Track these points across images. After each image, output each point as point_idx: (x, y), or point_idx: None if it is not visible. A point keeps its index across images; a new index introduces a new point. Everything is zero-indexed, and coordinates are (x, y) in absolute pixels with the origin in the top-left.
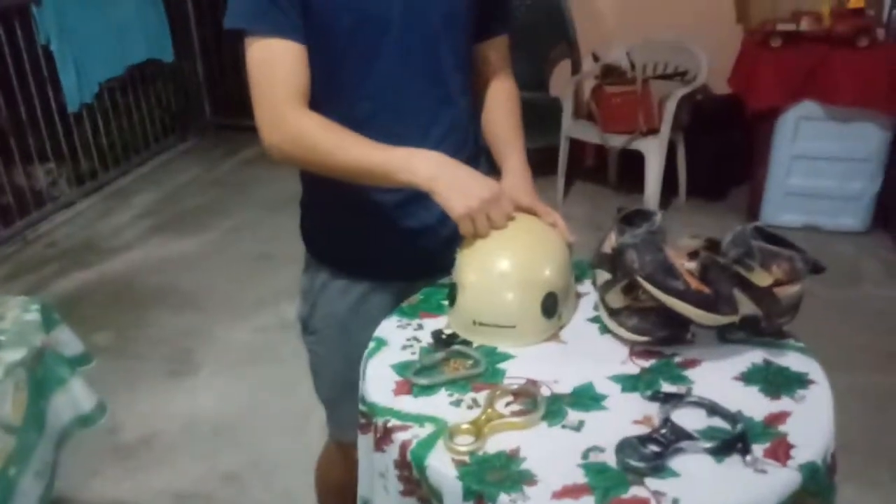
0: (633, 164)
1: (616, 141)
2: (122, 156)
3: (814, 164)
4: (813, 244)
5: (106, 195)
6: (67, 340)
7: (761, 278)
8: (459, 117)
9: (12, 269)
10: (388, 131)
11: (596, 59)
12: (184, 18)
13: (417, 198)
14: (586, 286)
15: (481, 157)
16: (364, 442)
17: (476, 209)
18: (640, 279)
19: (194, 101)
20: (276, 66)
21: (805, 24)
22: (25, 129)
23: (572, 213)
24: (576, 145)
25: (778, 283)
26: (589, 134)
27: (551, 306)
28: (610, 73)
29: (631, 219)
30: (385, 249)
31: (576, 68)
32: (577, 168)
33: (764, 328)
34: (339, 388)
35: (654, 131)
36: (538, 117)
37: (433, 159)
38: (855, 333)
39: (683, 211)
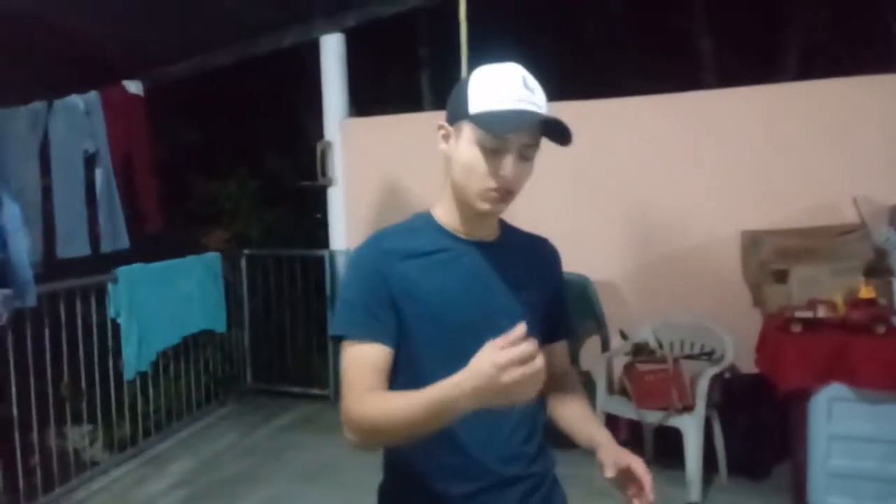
0: (668, 439)
1: (652, 417)
2: (164, 421)
3: (853, 446)
4: None
5: (143, 461)
6: None
7: None
8: (529, 412)
9: None
10: (464, 424)
11: (624, 336)
12: (238, 292)
13: (490, 488)
14: None
15: (546, 447)
16: None
17: (508, 388)
18: None
19: (238, 368)
20: (364, 366)
21: (822, 312)
22: (82, 396)
23: (610, 491)
24: (610, 419)
25: None
26: (624, 409)
27: None
28: (640, 352)
29: None
30: None
31: (605, 345)
32: None
33: None
34: None
35: (688, 408)
36: None
37: (453, 391)
38: None
39: (727, 490)
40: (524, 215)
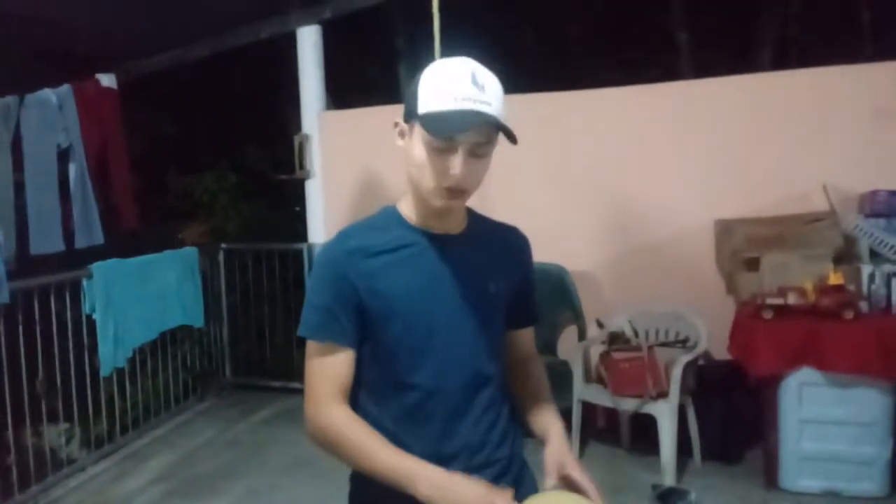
0: (644, 426)
1: (628, 405)
2: (141, 417)
3: (823, 429)
4: None
5: (121, 457)
6: None
7: None
8: (494, 400)
9: None
10: (432, 414)
11: (600, 325)
12: (215, 287)
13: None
14: None
15: (512, 432)
16: None
17: None
18: None
19: (216, 363)
20: (325, 366)
21: (792, 299)
22: (57, 393)
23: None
24: (587, 407)
25: None
26: (600, 397)
27: None
28: (616, 340)
29: (666, 496)
30: None
31: (581, 334)
32: (590, 429)
33: None
34: None
35: (663, 395)
36: (549, 380)
37: (433, 481)
38: None
39: (700, 475)
40: (502, 206)
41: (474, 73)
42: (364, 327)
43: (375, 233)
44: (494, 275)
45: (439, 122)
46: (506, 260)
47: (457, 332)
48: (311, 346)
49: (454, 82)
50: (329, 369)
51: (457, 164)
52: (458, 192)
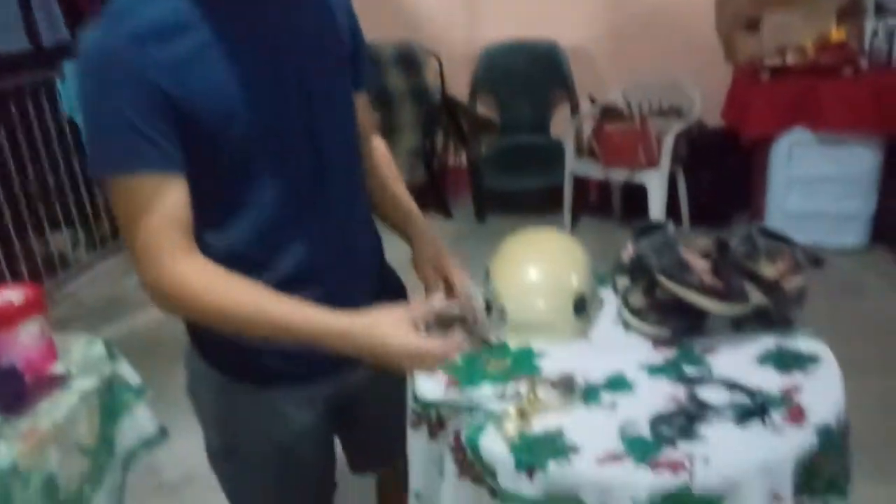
0: (635, 199)
1: (619, 175)
2: None
3: (810, 187)
4: None
5: (128, 254)
6: (127, 373)
7: (768, 270)
8: (361, 184)
9: None
10: (297, 228)
11: (592, 100)
12: None
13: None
14: (608, 293)
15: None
16: (417, 435)
17: (421, 364)
18: (658, 276)
19: None
20: (153, 207)
21: (791, 58)
22: (53, 197)
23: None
24: (579, 182)
25: (783, 276)
26: (592, 171)
27: (581, 306)
28: (608, 113)
29: (646, 231)
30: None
31: (574, 111)
32: (582, 204)
33: (774, 319)
34: None
35: (654, 165)
36: (542, 158)
37: (349, 342)
38: (861, 343)
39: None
40: None
41: None
42: (185, 139)
43: (156, 2)
44: (330, 30)
45: None
46: (335, 10)
47: (317, 116)
48: (120, 185)
49: None
50: (161, 210)
51: None
52: None
